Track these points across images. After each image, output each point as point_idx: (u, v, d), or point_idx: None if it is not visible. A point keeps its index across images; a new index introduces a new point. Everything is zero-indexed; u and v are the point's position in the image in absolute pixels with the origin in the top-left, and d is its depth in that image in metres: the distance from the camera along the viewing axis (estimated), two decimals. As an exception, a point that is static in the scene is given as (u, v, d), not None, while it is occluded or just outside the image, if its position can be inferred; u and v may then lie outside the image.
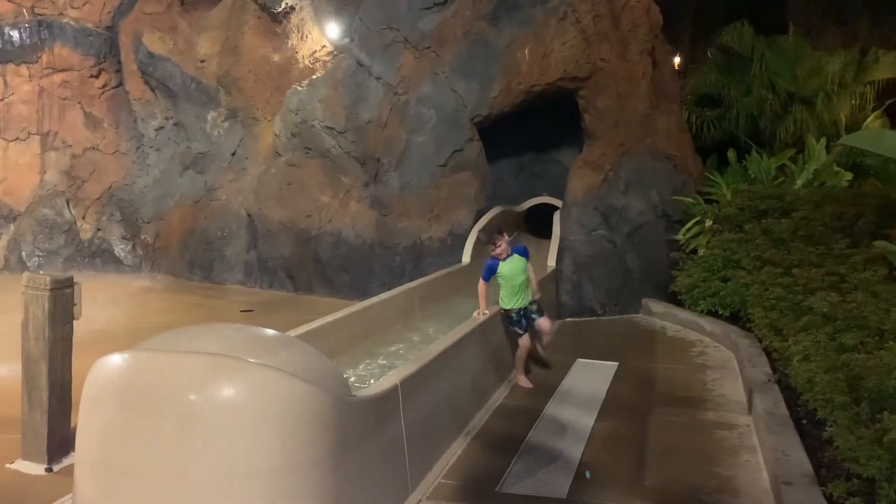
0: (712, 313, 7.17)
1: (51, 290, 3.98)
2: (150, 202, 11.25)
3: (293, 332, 4.50)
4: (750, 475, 4.08)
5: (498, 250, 5.38)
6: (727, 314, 6.98)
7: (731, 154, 9.75)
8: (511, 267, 5.45)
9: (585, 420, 4.91)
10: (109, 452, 2.99)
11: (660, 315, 7.99)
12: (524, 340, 5.59)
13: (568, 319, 8.09)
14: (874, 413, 3.56)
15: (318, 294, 9.29)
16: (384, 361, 5.45)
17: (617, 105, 8.88)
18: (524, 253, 5.59)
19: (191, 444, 2.88)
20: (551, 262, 8.32)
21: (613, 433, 4.72)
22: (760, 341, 5.94)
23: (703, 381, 5.79)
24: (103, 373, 3.09)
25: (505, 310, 5.59)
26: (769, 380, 5.09)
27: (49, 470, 3.98)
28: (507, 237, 5.44)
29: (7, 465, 4.02)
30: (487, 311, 5.44)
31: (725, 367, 6.14)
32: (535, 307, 5.67)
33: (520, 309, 5.59)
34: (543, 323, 5.67)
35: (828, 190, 8.10)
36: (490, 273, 5.49)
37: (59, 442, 4.03)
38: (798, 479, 3.61)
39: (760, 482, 3.98)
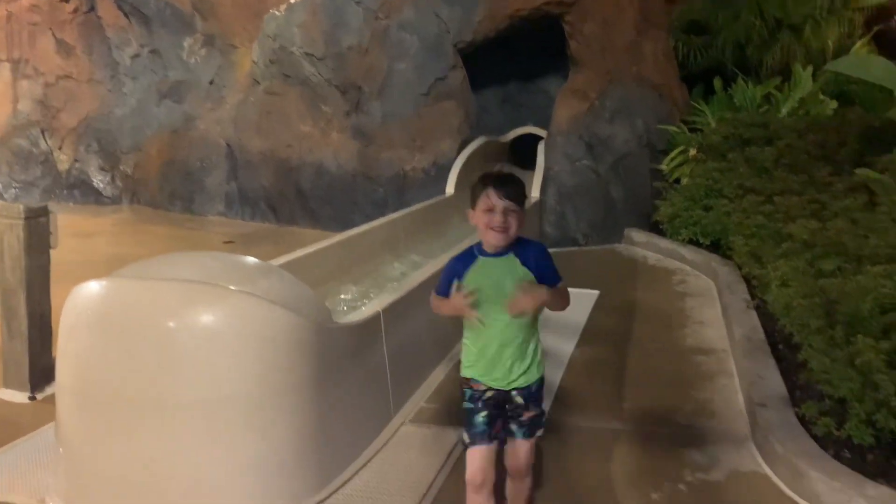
0: (693, 242, 7.22)
1: (25, 218, 3.92)
2: (127, 132, 11.03)
3: (275, 262, 4.48)
4: (726, 398, 4.17)
5: (488, 218, 2.54)
6: (708, 243, 7.03)
7: (717, 82, 9.64)
8: (495, 274, 2.59)
9: (566, 347, 4.98)
10: (89, 380, 3.00)
11: (641, 245, 8.03)
12: (473, 459, 2.65)
13: (551, 250, 8.10)
14: (848, 336, 3.62)
15: (300, 226, 9.24)
16: (367, 291, 5.47)
17: (603, 31, 8.71)
18: (541, 262, 2.63)
19: (170, 370, 2.88)
20: (535, 193, 8.30)
21: (593, 359, 4.79)
22: (740, 269, 6.00)
23: (683, 309, 5.86)
24: (80, 300, 3.07)
25: (463, 378, 2.71)
26: (748, 306, 5.16)
27: (32, 398, 4.00)
28: (521, 213, 2.57)
29: (-10, 394, 4.04)
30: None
31: (705, 295, 6.21)
32: (522, 398, 2.65)
33: (488, 389, 2.65)
34: (520, 451, 2.71)
35: (812, 118, 8.06)
36: (450, 280, 2.68)
37: (41, 371, 4.04)
38: (772, 401, 3.71)
39: (736, 405, 4.08)
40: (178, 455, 2.92)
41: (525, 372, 2.65)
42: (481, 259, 2.65)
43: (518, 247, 2.63)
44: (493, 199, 2.55)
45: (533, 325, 2.68)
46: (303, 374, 3.08)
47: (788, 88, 8.91)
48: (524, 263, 2.60)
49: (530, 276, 2.59)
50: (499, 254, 2.62)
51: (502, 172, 2.74)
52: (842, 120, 7.66)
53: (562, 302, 2.68)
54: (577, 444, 3.68)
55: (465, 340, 2.74)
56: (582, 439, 3.72)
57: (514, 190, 2.58)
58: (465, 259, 2.69)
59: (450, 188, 8.47)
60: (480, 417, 2.66)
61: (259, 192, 9.67)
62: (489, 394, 2.67)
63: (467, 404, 2.71)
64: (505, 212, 2.54)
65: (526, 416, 2.70)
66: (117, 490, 2.96)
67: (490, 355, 2.64)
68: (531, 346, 2.67)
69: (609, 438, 3.71)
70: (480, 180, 2.64)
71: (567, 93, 8.75)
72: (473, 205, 2.63)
